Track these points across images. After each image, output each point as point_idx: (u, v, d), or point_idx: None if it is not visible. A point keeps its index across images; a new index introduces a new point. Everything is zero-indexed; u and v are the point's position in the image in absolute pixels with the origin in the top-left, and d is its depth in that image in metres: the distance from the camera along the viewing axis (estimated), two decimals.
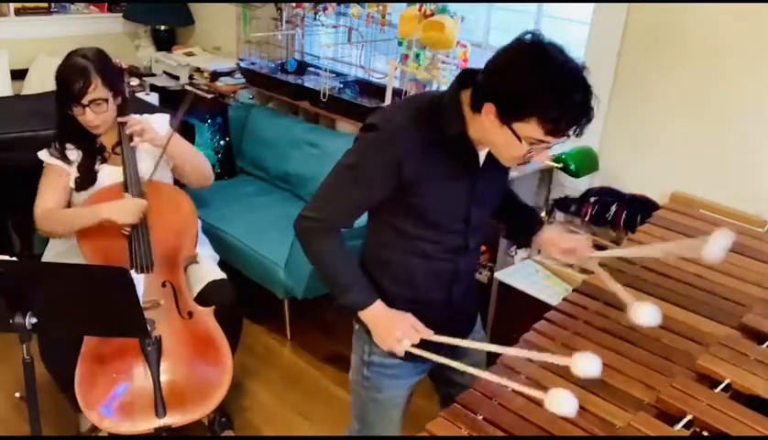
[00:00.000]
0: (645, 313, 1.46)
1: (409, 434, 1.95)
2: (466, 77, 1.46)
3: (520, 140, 1.35)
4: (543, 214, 2.80)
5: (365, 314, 1.57)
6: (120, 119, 2.35)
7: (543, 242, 1.72)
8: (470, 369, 1.48)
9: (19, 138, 2.82)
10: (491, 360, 1.60)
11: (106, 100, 2.27)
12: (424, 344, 1.56)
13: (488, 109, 1.36)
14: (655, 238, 2.10)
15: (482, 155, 1.53)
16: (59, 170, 2.34)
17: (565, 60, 1.31)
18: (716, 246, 1.48)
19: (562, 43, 1.35)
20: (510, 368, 1.54)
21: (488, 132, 1.40)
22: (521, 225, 1.80)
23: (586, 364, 1.32)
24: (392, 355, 1.60)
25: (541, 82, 1.28)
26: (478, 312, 1.89)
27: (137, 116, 2.40)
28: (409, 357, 1.58)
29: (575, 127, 1.33)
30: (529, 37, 1.33)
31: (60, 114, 2.31)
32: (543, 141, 1.35)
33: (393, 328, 1.54)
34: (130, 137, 2.34)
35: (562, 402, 1.29)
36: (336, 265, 1.57)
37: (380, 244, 1.63)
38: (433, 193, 1.50)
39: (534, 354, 1.47)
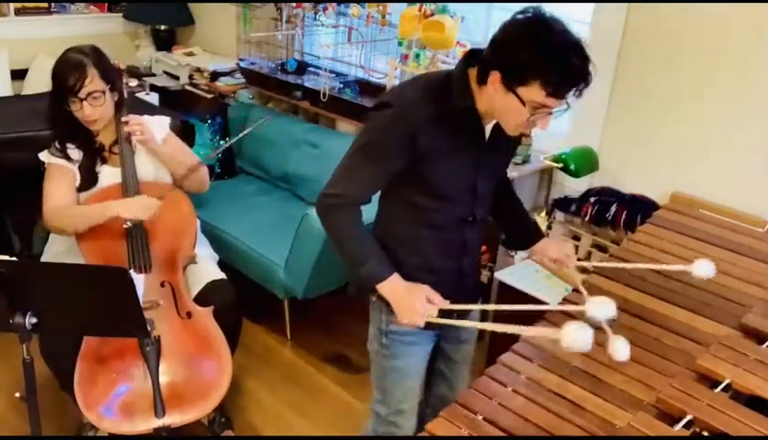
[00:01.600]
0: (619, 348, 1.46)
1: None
2: (473, 57, 1.55)
3: (524, 104, 1.44)
4: (543, 214, 2.80)
5: (383, 287, 1.62)
6: (124, 118, 2.35)
7: (534, 250, 1.85)
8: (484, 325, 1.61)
9: (19, 138, 2.82)
10: (491, 358, 1.60)
11: (103, 92, 2.27)
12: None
13: (494, 77, 1.46)
14: (655, 238, 2.11)
15: (488, 129, 1.61)
16: (63, 169, 2.33)
17: (563, 30, 1.41)
18: (701, 272, 1.63)
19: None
20: (509, 367, 1.54)
21: (493, 100, 1.50)
22: (523, 237, 1.89)
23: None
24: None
25: (541, 49, 1.39)
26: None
27: (138, 117, 2.40)
28: (427, 325, 1.63)
29: (574, 90, 1.43)
30: (531, 11, 1.43)
31: (54, 111, 2.30)
32: (544, 106, 1.44)
33: (412, 300, 1.60)
34: (128, 136, 2.34)
35: (578, 336, 1.33)
36: (356, 239, 1.64)
37: (393, 219, 1.72)
38: (443, 165, 1.59)
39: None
